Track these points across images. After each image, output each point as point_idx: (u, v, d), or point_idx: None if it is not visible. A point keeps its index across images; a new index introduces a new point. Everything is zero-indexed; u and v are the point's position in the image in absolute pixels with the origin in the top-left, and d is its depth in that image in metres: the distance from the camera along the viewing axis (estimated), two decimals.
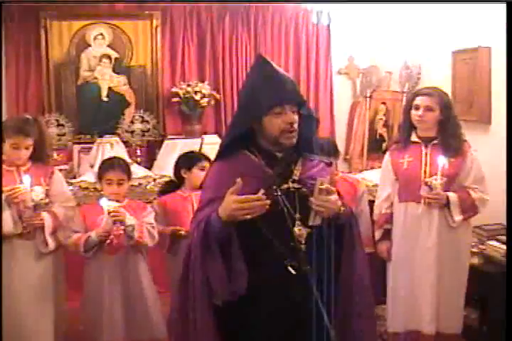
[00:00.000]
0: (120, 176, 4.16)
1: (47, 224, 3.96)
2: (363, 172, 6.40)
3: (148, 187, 5.93)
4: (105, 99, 6.72)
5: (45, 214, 3.97)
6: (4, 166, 3.97)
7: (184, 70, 6.84)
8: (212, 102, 6.76)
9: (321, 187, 2.62)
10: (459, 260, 4.15)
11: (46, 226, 3.96)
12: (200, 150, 5.87)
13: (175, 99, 6.63)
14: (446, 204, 4.02)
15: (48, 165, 4.19)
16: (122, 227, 3.95)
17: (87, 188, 5.81)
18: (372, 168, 6.49)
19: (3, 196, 3.83)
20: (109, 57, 6.67)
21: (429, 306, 4.10)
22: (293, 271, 2.64)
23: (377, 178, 4.65)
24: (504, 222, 4.49)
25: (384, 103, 6.80)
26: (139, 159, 6.48)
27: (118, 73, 6.72)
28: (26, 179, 3.84)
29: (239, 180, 2.51)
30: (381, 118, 6.79)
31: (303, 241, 2.68)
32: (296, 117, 2.74)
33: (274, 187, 2.71)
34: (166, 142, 6.57)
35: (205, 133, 6.72)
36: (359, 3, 6.69)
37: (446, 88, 4.84)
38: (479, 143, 4.45)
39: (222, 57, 6.87)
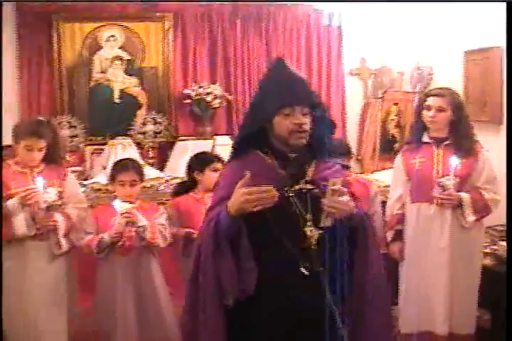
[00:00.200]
0: (133, 177, 4.18)
1: (60, 225, 3.97)
2: (375, 173, 6.40)
3: (160, 188, 5.94)
4: (117, 100, 6.74)
5: (58, 216, 3.98)
6: (18, 168, 3.99)
7: (196, 72, 6.85)
8: (224, 104, 6.77)
9: (333, 188, 2.61)
10: (471, 260, 4.14)
11: (59, 227, 3.97)
12: (211, 151, 5.87)
13: (187, 101, 6.64)
14: (459, 205, 4.01)
15: (61, 167, 4.21)
16: (134, 229, 3.97)
17: (99, 190, 5.83)
18: (384, 168, 6.47)
19: (17, 198, 3.85)
20: (121, 58, 6.68)
21: (441, 307, 4.09)
22: (305, 272, 2.65)
23: (389, 179, 4.64)
24: None
25: (396, 104, 6.79)
26: (151, 160, 6.50)
27: (130, 75, 6.74)
28: (39, 181, 3.85)
29: (247, 173, 2.53)
30: (393, 119, 6.79)
31: (314, 242, 2.68)
32: (305, 119, 2.73)
33: (286, 187, 2.71)
34: (177, 143, 6.58)
35: (217, 135, 6.72)
36: (368, 3, 6.69)
37: (458, 88, 4.83)
38: (491, 144, 4.44)
39: (233, 59, 6.88)
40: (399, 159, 4.34)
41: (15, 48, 6.44)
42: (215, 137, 6.61)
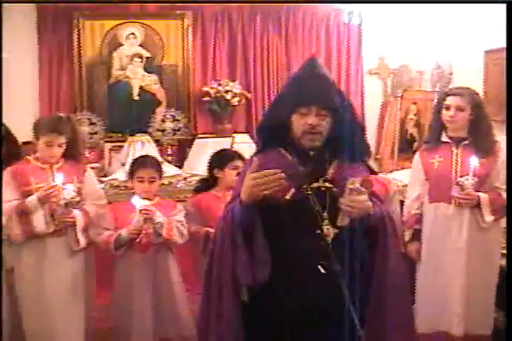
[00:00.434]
0: (151, 174, 4.19)
1: (78, 221, 3.98)
2: (394, 173, 6.38)
3: (178, 185, 5.96)
4: (136, 97, 6.78)
5: (76, 212, 3.99)
6: (38, 163, 4.01)
7: (215, 69, 6.88)
8: (243, 101, 6.78)
9: (351, 187, 2.61)
10: (489, 261, 4.12)
11: (78, 223, 3.98)
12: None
13: (206, 98, 6.66)
14: (477, 205, 4.00)
15: (81, 163, 4.22)
16: (152, 225, 3.98)
17: (117, 186, 5.86)
18: (402, 168, 6.45)
19: (37, 195, 3.86)
20: (140, 56, 6.72)
21: (458, 307, 4.07)
22: (322, 270, 2.65)
23: (408, 178, 4.62)
24: None
25: (415, 103, 6.77)
26: (169, 158, 6.53)
27: (149, 72, 6.78)
28: (59, 177, 3.87)
29: (255, 159, 2.55)
30: (412, 118, 6.76)
31: (329, 241, 2.68)
32: (321, 121, 2.71)
33: (305, 185, 2.71)
34: (196, 141, 6.60)
35: (236, 132, 6.74)
36: (387, 4, 6.67)
37: (478, 88, 4.81)
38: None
39: (253, 57, 6.90)
40: (417, 158, 4.32)
41: (36, 45, 6.48)
42: (234, 135, 6.62)
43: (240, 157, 4.38)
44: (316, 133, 2.71)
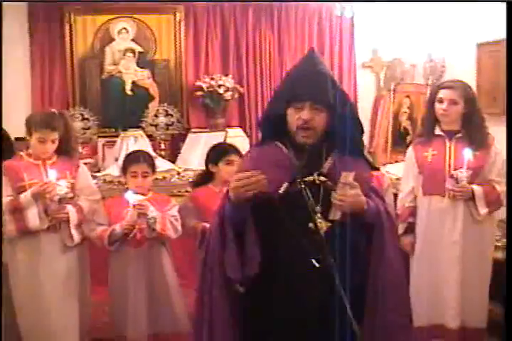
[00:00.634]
0: (145, 169, 4.18)
1: (72, 217, 3.98)
2: (387, 166, 6.38)
3: (172, 180, 5.96)
4: (129, 92, 6.76)
5: (70, 208, 3.99)
6: (31, 159, 4.00)
7: (208, 64, 6.87)
8: (236, 96, 6.77)
9: (343, 181, 2.61)
10: (483, 254, 4.14)
11: (71, 219, 3.97)
12: None
13: (199, 93, 6.65)
14: (471, 198, 4.00)
15: (74, 159, 4.21)
16: (146, 220, 3.98)
17: (111, 182, 5.86)
18: (396, 161, 6.46)
19: (30, 191, 3.85)
20: (133, 51, 6.71)
21: (453, 300, 4.09)
22: (316, 264, 2.65)
23: (401, 172, 4.63)
24: None
25: (408, 96, 6.77)
26: (163, 152, 6.52)
27: (142, 67, 6.77)
28: (52, 173, 3.87)
29: (248, 153, 2.56)
30: (405, 112, 6.77)
31: (322, 235, 2.68)
32: (314, 115, 2.70)
33: (298, 179, 2.70)
34: (189, 135, 6.60)
35: (229, 127, 6.73)
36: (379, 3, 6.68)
37: (471, 81, 4.81)
38: (504, 136, 4.42)
39: (245, 51, 6.89)
40: (411, 152, 4.33)
41: (28, 41, 6.47)
42: (227, 129, 6.62)
43: (236, 151, 4.34)
44: (309, 128, 2.69)
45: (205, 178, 4.46)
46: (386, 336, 2.74)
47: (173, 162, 6.47)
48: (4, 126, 4.38)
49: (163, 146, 6.59)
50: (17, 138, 4.59)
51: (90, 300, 4.35)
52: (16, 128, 4.38)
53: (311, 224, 2.68)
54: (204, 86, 6.60)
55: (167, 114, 6.62)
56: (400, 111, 6.77)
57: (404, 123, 6.79)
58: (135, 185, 4.16)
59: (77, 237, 4.03)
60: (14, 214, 3.86)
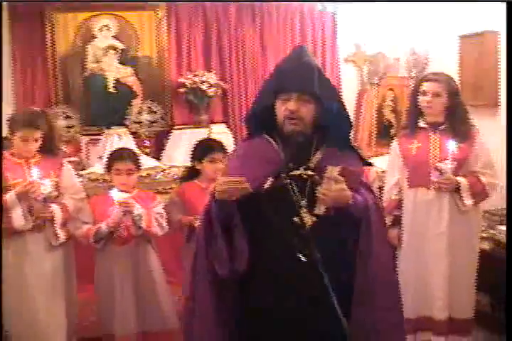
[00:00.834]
0: (129, 166, 4.17)
1: (57, 216, 3.96)
2: (372, 159, 6.38)
3: (157, 177, 5.95)
4: (112, 90, 6.72)
5: (54, 207, 3.97)
6: (14, 159, 3.98)
7: (190, 60, 6.84)
8: (219, 92, 6.75)
9: (328, 175, 2.61)
10: (469, 245, 4.15)
11: (56, 218, 3.96)
12: None
13: (182, 89, 6.63)
14: (456, 189, 4.01)
15: (57, 158, 4.19)
16: (131, 218, 3.97)
17: (96, 180, 5.84)
18: (381, 154, 6.47)
19: (15, 191, 3.82)
20: (115, 48, 6.67)
21: (440, 292, 4.10)
22: (302, 258, 2.65)
23: (386, 165, 4.63)
24: None
25: (391, 89, 6.80)
26: (147, 150, 6.49)
27: (124, 64, 6.72)
28: (36, 172, 3.84)
29: (235, 148, 2.58)
30: (389, 105, 6.79)
31: (308, 229, 2.68)
32: (301, 106, 2.71)
33: (283, 173, 2.71)
34: (173, 132, 6.58)
35: (213, 123, 6.72)
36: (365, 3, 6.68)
37: (454, 73, 4.82)
38: (488, 128, 4.44)
39: (228, 47, 6.86)
40: (395, 145, 4.33)
41: (9, 39, 6.42)
42: (211, 125, 6.61)
43: (221, 148, 4.30)
44: (295, 118, 2.70)
45: (191, 174, 4.44)
46: (377, 334, 2.75)
47: (158, 159, 6.46)
48: None
49: (147, 143, 6.56)
50: None
51: (77, 298, 4.32)
52: None
53: (296, 219, 2.68)
54: (187, 82, 6.57)
55: (151, 111, 6.60)
56: (384, 104, 6.79)
57: (389, 116, 6.81)
58: (120, 182, 4.15)
59: (62, 236, 4.02)
60: (1, 215, 3.83)
